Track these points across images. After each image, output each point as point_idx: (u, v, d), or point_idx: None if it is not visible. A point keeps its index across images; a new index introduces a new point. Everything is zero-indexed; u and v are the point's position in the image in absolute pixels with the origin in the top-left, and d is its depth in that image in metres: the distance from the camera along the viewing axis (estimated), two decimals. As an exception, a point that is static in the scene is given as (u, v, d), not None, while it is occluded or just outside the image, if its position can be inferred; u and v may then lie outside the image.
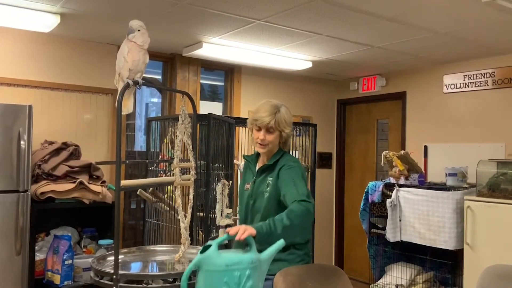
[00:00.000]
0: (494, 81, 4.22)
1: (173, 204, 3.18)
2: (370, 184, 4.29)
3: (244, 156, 2.49)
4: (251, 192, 2.29)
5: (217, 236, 3.02)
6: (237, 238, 1.73)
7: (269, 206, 2.18)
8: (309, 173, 4.27)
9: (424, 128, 4.80)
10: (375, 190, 4.20)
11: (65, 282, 3.16)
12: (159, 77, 4.65)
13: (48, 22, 3.29)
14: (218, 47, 3.99)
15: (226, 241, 1.80)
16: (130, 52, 2.23)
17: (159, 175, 3.51)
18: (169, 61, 4.51)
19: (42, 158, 3.36)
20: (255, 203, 2.25)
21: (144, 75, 2.32)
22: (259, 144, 2.23)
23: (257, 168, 2.34)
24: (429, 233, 3.76)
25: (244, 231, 1.76)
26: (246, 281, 1.64)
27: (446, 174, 3.95)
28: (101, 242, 3.47)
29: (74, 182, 3.30)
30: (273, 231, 1.87)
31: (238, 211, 2.55)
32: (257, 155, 2.38)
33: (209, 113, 3.27)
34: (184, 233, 2.34)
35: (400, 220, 3.98)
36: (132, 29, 2.23)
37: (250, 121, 2.28)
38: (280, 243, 1.78)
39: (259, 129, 2.22)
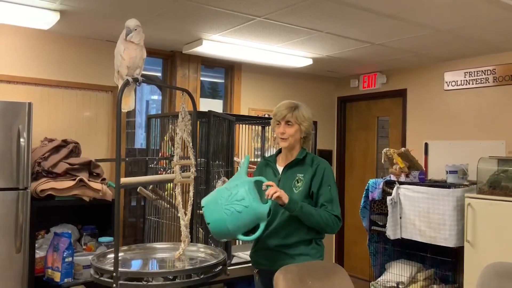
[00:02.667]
0: (495, 78, 4.21)
1: (173, 201, 3.17)
2: (371, 181, 4.28)
3: (264, 157, 2.60)
4: None
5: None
6: (268, 195, 2.07)
7: (300, 201, 2.23)
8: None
9: (424, 125, 4.79)
10: (376, 188, 4.19)
11: (65, 280, 3.16)
12: (159, 74, 4.64)
13: (47, 19, 3.28)
14: (218, 44, 3.98)
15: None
16: (127, 50, 2.22)
17: (159, 172, 3.51)
18: (169, 59, 4.50)
19: (42, 155, 3.35)
20: None
21: (144, 72, 2.32)
22: (281, 138, 2.32)
23: (279, 166, 2.40)
24: (430, 231, 3.75)
25: (277, 194, 2.08)
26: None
27: (447, 171, 3.94)
28: (101, 239, 3.47)
29: (74, 180, 3.30)
30: (300, 215, 2.17)
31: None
32: (276, 155, 2.46)
33: (209, 111, 3.26)
34: (184, 231, 2.33)
35: (400, 218, 3.98)
36: (129, 30, 2.21)
37: (272, 120, 2.39)
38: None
39: (279, 123, 2.32)
